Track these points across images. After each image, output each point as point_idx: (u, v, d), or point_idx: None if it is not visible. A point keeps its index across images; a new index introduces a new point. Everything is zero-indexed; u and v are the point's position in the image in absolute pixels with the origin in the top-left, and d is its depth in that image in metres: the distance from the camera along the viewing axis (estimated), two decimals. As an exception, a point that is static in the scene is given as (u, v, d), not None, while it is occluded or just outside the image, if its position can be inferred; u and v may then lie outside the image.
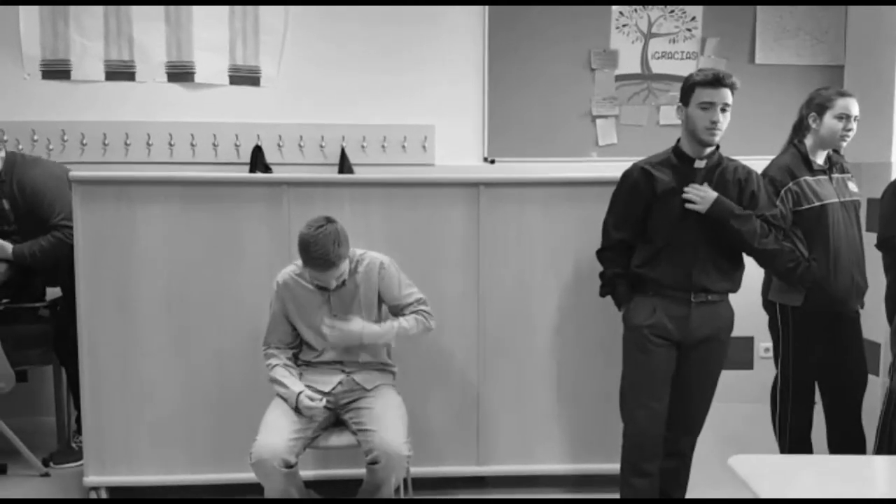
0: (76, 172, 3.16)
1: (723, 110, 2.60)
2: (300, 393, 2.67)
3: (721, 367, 2.82)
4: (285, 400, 2.71)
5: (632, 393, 2.78)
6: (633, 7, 4.25)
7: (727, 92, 2.60)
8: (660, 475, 2.86)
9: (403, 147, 4.22)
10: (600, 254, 2.86)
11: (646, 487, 2.79)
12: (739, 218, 2.62)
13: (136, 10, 4.04)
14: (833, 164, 3.05)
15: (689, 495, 2.98)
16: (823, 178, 3.00)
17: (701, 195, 2.62)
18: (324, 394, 2.76)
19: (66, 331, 3.36)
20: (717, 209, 2.62)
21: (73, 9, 4.01)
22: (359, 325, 2.71)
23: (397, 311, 2.84)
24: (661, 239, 2.70)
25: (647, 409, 2.74)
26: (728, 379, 4.32)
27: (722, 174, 2.69)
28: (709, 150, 2.68)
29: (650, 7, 4.26)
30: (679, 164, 2.71)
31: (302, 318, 2.79)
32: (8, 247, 3.37)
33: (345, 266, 2.67)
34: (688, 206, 2.63)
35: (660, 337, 2.71)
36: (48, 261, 3.39)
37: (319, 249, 2.55)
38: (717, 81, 2.60)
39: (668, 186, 2.68)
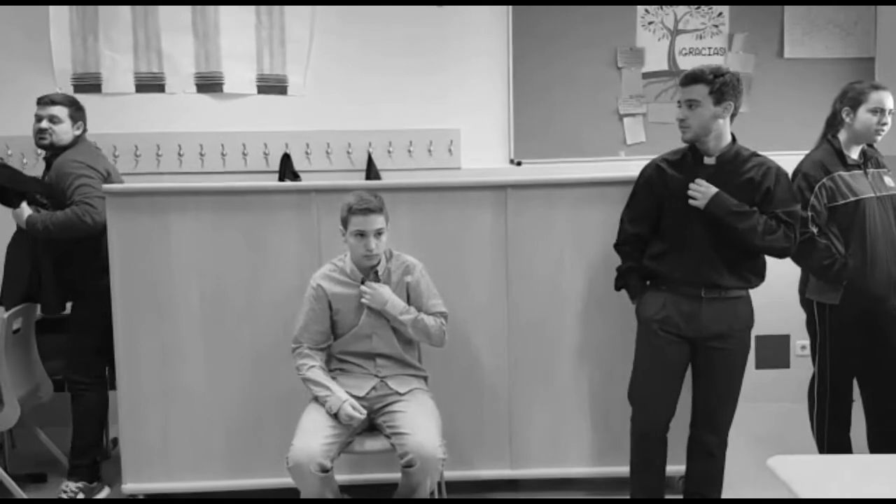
0: (109, 185, 3.21)
1: (689, 106, 2.64)
2: (346, 402, 2.70)
3: (742, 363, 2.78)
4: (323, 404, 2.74)
5: (640, 384, 2.83)
6: (659, 4, 4.22)
7: (692, 88, 2.64)
8: (691, 477, 2.85)
9: (430, 151, 4.23)
10: (617, 248, 2.90)
11: (653, 482, 2.83)
12: (737, 215, 2.61)
13: (164, 23, 4.10)
14: (868, 159, 3.00)
15: (725, 496, 2.94)
16: (858, 172, 2.96)
17: (701, 191, 2.63)
18: (357, 398, 2.78)
19: (76, 359, 3.34)
20: (715, 205, 2.62)
21: (102, 23, 4.09)
22: (388, 293, 2.79)
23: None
24: (671, 234, 2.73)
25: (653, 401, 2.78)
26: (764, 378, 4.31)
27: (735, 170, 2.68)
28: (721, 146, 2.68)
29: (676, 4, 4.23)
30: (692, 160, 2.72)
31: (340, 309, 2.83)
32: (25, 212, 3.23)
33: (383, 223, 2.74)
34: (690, 202, 2.65)
35: (669, 332, 2.73)
36: (59, 236, 3.20)
37: (363, 196, 2.73)
38: (681, 81, 2.69)
39: (676, 183, 2.70)
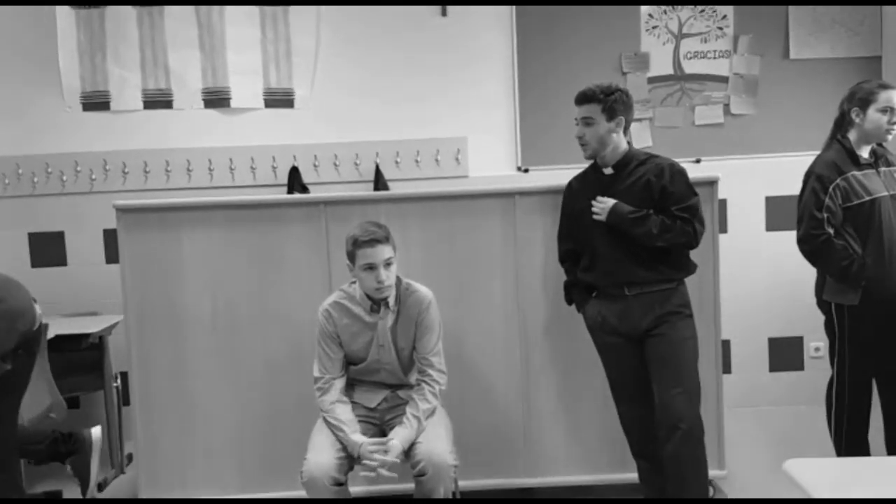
0: (120, 201, 3.23)
1: (586, 124, 2.77)
2: (362, 445, 2.62)
3: (687, 350, 2.75)
4: (344, 444, 2.67)
5: (612, 388, 2.94)
6: (663, 8, 4.23)
7: (585, 108, 2.77)
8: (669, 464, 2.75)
9: (437, 160, 4.23)
10: (560, 265, 3.02)
11: (646, 468, 2.91)
12: (633, 221, 2.71)
13: (171, 39, 4.14)
14: (878, 158, 2.99)
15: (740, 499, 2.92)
16: (871, 171, 2.95)
17: (601, 207, 2.76)
18: (368, 409, 2.79)
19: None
20: (614, 217, 2.74)
21: (110, 40, 4.13)
22: (398, 445, 2.62)
23: (419, 359, 2.81)
24: (587, 246, 2.85)
25: (625, 402, 2.90)
26: (778, 381, 4.29)
27: (631, 174, 2.79)
28: (618, 155, 2.78)
29: (680, 8, 4.23)
30: (593, 173, 2.88)
31: (349, 342, 2.80)
32: None
33: (391, 252, 2.69)
34: (595, 217, 2.78)
35: (611, 334, 2.84)
36: None
37: (367, 228, 2.69)
38: (576, 101, 2.80)
39: (581, 196, 2.86)
